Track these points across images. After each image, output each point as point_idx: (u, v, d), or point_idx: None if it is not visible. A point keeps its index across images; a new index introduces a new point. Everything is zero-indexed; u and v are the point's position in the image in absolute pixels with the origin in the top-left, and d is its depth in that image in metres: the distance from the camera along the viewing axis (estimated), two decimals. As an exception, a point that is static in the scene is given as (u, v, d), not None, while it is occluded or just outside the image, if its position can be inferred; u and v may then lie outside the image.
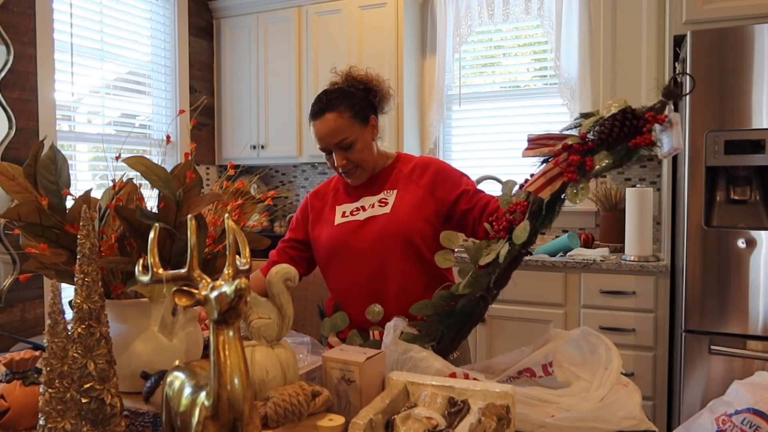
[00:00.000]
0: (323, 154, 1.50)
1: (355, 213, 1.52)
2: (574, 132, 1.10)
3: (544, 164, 1.09)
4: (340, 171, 1.50)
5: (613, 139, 1.02)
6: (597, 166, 1.03)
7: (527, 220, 1.10)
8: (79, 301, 0.81)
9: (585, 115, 1.09)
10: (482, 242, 1.18)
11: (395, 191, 1.51)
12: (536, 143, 1.10)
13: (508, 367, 1.15)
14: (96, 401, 0.81)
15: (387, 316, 1.33)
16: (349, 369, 1.00)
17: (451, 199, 1.46)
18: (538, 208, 1.10)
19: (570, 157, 1.04)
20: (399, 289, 1.45)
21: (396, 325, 1.18)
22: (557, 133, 1.10)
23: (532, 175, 1.10)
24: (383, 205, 1.49)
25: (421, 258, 1.45)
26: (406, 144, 3.20)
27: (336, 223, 1.53)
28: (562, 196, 1.07)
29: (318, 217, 1.59)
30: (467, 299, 1.16)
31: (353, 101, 1.46)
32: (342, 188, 1.60)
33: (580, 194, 1.04)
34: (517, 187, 1.19)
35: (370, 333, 1.36)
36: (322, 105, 1.46)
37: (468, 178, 1.53)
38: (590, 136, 1.05)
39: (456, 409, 0.91)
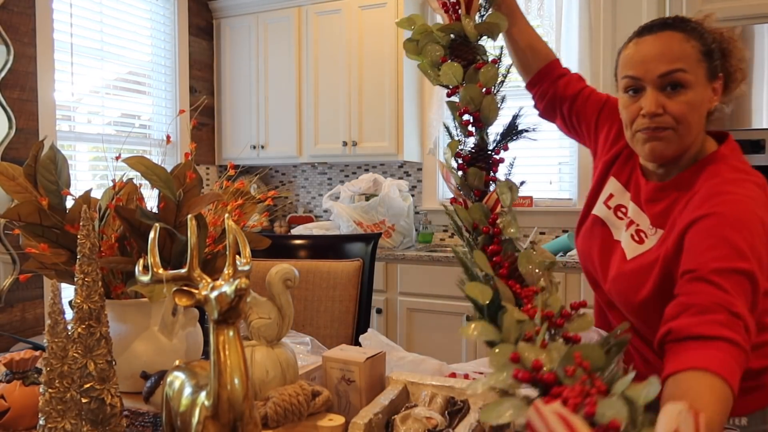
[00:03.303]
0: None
1: (617, 213, 1.11)
2: None
3: None
4: (639, 127, 1.00)
5: None
6: None
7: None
8: (79, 301, 0.81)
9: None
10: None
11: (661, 232, 1.00)
12: None
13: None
14: (96, 401, 0.81)
15: None
16: (349, 369, 1.00)
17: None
18: None
19: None
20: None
21: None
22: None
23: None
24: (638, 241, 1.04)
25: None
26: (406, 144, 3.20)
27: (594, 211, 1.15)
28: None
29: (606, 144, 1.18)
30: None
31: (708, 42, 1.00)
32: (631, 160, 1.13)
33: None
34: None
35: None
36: (667, 20, 1.02)
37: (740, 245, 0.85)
38: None
39: (456, 409, 0.91)
